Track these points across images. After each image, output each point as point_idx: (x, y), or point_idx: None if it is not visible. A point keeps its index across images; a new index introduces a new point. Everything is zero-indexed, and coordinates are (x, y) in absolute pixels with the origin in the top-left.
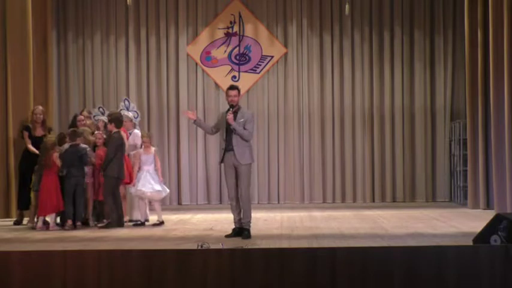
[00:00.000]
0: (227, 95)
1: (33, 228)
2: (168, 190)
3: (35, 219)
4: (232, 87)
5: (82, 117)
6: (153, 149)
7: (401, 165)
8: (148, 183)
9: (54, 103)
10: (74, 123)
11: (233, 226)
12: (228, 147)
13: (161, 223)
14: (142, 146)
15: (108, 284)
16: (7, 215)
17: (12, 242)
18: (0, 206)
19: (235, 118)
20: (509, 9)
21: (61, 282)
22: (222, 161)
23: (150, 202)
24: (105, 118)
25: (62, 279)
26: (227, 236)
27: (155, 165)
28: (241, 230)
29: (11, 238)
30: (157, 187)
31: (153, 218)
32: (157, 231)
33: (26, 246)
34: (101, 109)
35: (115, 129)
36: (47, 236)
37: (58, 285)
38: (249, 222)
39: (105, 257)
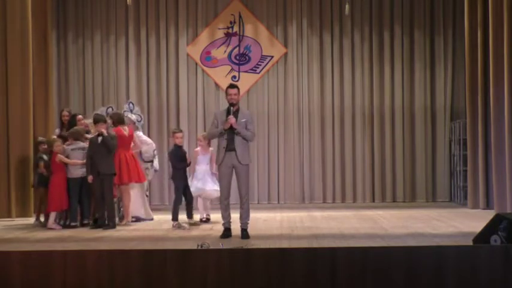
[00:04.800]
0: (227, 94)
1: (40, 225)
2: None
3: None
4: (232, 86)
5: (81, 116)
6: (210, 149)
7: (401, 165)
8: (207, 182)
9: (54, 103)
10: (73, 123)
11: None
12: (229, 147)
13: (208, 220)
14: (199, 146)
15: (108, 284)
16: (7, 215)
17: (12, 242)
18: (1, 206)
19: (236, 119)
20: (509, 9)
21: (61, 282)
22: (222, 161)
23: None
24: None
25: (62, 279)
26: (222, 237)
27: (211, 166)
28: (229, 231)
29: (11, 238)
30: (216, 186)
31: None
32: (158, 231)
33: (26, 246)
34: (109, 109)
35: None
36: (47, 236)
37: (58, 285)
38: (247, 223)
39: (105, 257)
